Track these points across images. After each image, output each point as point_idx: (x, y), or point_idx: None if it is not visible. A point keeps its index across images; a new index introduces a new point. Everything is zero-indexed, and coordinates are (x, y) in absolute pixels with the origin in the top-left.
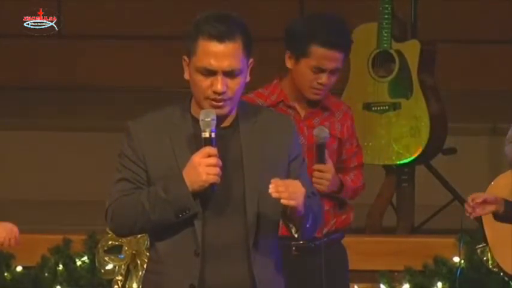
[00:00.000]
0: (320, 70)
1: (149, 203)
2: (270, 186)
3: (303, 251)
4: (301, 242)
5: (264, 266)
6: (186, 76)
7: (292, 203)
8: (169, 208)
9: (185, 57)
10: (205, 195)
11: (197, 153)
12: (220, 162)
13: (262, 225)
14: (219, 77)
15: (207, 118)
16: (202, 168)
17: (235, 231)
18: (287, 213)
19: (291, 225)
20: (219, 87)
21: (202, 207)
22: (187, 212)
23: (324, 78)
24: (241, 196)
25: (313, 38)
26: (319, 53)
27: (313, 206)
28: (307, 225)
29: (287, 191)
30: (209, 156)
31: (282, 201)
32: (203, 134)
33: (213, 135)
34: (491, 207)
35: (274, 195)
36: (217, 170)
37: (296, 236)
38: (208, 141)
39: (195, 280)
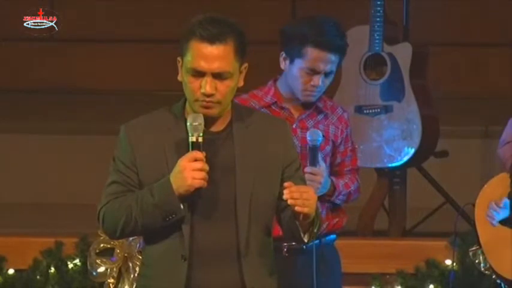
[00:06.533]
0: (314, 72)
1: (137, 206)
2: (284, 191)
3: (294, 253)
4: (293, 243)
5: (256, 272)
6: (180, 77)
7: (305, 210)
8: (156, 211)
9: (179, 59)
10: (193, 199)
11: (183, 157)
12: (207, 167)
13: (254, 230)
14: (208, 79)
15: (195, 122)
16: (188, 172)
17: (224, 237)
18: (298, 219)
19: (298, 229)
20: (208, 88)
21: (191, 211)
22: (173, 215)
23: (317, 80)
24: (232, 201)
25: (308, 39)
26: (313, 54)
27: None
28: (315, 230)
29: (301, 198)
30: (195, 160)
31: (296, 208)
32: (190, 138)
33: (200, 139)
34: None
35: (290, 202)
36: (203, 174)
37: (305, 240)
38: (196, 146)
39: (181, 285)
